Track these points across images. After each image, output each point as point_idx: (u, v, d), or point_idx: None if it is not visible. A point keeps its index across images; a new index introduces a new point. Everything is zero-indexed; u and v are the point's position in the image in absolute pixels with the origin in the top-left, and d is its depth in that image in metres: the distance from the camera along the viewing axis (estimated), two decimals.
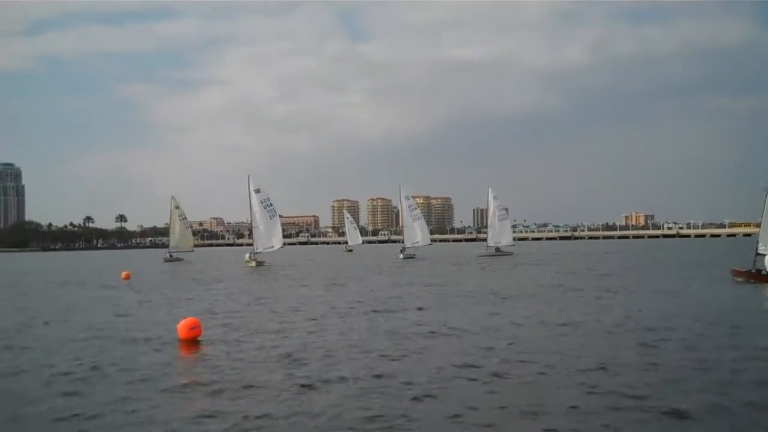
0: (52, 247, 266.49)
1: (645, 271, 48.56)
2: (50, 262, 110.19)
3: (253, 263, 66.08)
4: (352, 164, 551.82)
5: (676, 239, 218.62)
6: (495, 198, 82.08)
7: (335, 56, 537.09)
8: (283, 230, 78.47)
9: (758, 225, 38.20)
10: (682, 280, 38.89)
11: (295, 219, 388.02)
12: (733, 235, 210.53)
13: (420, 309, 25.28)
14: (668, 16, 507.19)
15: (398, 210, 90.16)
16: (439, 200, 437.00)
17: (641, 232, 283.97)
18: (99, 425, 10.29)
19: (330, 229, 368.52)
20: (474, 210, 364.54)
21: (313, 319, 22.63)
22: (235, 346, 17.40)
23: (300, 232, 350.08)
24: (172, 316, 23.16)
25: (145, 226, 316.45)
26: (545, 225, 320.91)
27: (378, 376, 13.34)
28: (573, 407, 10.68)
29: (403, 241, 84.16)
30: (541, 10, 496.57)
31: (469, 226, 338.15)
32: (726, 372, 13.27)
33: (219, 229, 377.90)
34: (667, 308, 24.18)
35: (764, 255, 34.19)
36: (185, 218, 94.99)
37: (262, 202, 67.25)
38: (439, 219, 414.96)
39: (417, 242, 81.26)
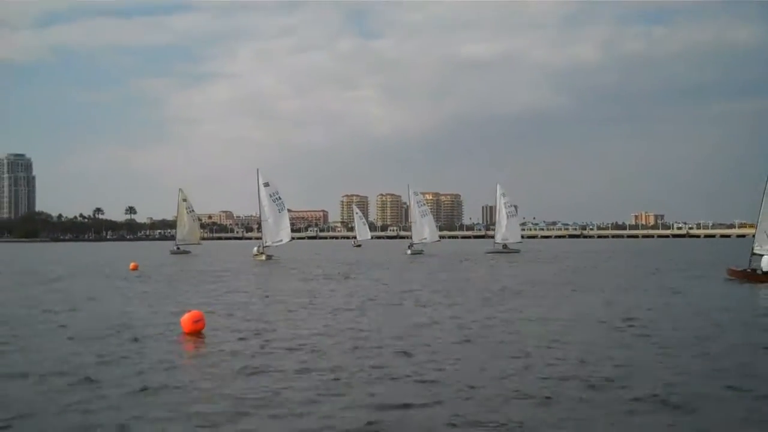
0: (62, 238, 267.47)
1: (645, 270, 49.15)
2: (59, 252, 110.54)
3: (263, 257, 66.01)
4: (362, 160, 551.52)
5: (686, 239, 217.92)
6: (503, 195, 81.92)
7: (346, 52, 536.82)
8: (292, 225, 78.78)
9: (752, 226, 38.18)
10: (679, 279, 39.47)
11: (304, 213, 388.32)
12: (743, 236, 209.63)
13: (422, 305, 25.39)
14: (674, 17, 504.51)
15: (407, 206, 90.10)
16: (448, 197, 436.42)
17: (651, 231, 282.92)
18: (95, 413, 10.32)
19: (339, 224, 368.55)
20: (483, 207, 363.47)
21: (321, 310, 22.76)
22: (238, 339, 17.41)
23: (309, 227, 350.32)
24: (176, 308, 23.15)
25: (154, 218, 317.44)
26: (554, 223, 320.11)
27: (381, 368, 13.39)
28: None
29: (411, 237, 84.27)
30: (551, 8, 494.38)
31: (478, 223, 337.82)
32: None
33: (228, 223, 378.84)
34: (654, 305, 24.93)
35: (760, 255, 34.82)
36: (193, 211, 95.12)
37: (270, 196, 67.33)
38: (448, 216, 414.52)
39: (425, 238, 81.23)
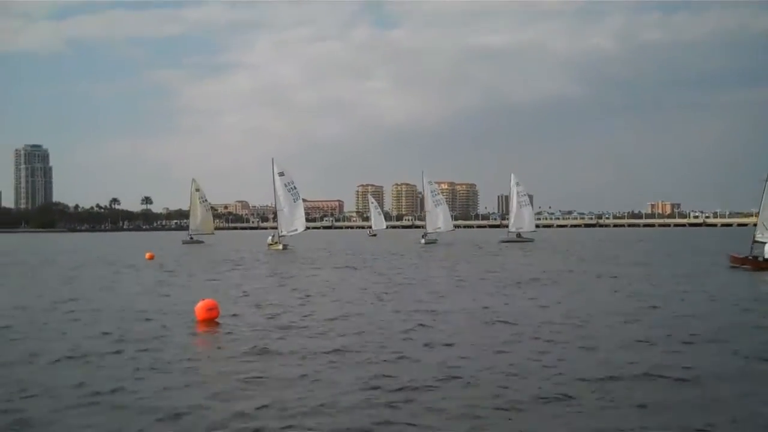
0: (79, 228, 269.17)
1: (649, 258, 50.27)
2: (75, 243, 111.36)
3: (280, 246, 65.82)
4: (378, 149, 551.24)
5: (702, 228, 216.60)
6: (517, 184, 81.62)
7: (362, 42, 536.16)
8: (308, 214, 78.72)
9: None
10: (682, 266, 40.71)
11: (319, 203, 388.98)
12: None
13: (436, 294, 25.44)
14: (696, 6, 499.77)
15: (422, 195, 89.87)
16: (463, 186, 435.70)
17: (667, 220, 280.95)
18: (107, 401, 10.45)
19: (354, 214, 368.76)
20: (499, 196, 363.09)
21: (336, 301, 22.89)
22: (251, 327, 17.49)
23: (324, 216, 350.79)
24: (190, 297, 23.30)
25: (170, 208, 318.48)
26: (570, 212, 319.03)
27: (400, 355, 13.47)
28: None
29: (425, 227, 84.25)
30: None
31: (493, 213, 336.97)
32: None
33: (244, 213, 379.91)
34: (649, 291, 25.83)
35: (763, 243, 35.36)
36: (206, 201, 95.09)
37: (286, 185, 67.25)
38: (463, 205, 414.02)
39: (439, 228, 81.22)
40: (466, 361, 13.12)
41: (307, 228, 76.69)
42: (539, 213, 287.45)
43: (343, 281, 31.58)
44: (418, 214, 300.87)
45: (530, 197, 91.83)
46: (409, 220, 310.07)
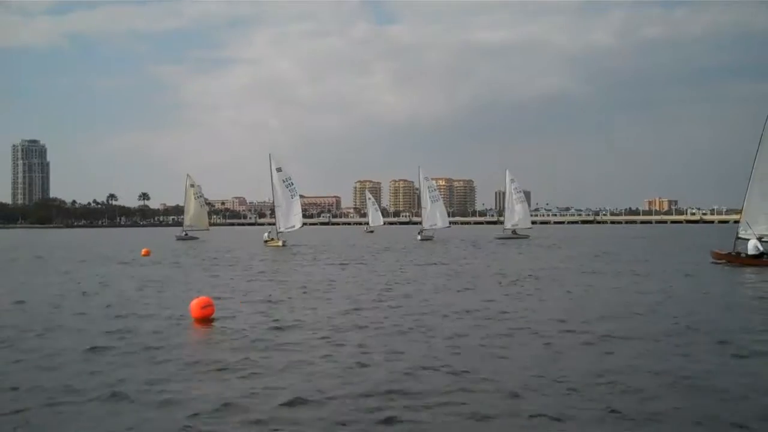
0: (76, 223, 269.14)
1: (636, 254, 50.99)
2: (70, 238, 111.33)
3: (280, 243, 65.38)
4: (376, 146, 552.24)
5: (699, 225, 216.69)
6: (512, 181, 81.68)
7: (361, 38, 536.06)
8: (305, 210, 78.43)
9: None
10: (665, 262, 41.55)
11: (317, 199, 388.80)
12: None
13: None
14: (696, 2, 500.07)
15: (419, 192, 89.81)
16: (461, 183, 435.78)
17: (664, 217, 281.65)
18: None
19: (352, 210, 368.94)
20: (496, 193, 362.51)
21: (331, 297, 22.93)
22: (247, 324, 17.44)
23: (322, 213, 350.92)
24: (184, 294, 23.36)
25: (168, 204, 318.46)
26: (568, 209, 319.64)
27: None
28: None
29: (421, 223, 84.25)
30: None
31: (490, 209, 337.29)
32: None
33: (241, 209, 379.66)
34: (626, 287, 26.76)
35: (746, 239, 36.18)
36: (201, 196, 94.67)
37: (284, 181, 66.80)
38: (461, 201, 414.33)
39: (435, 224, 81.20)
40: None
41: (304, 224, 76.53)
42: (536, 210, 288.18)
43: (339, 278, 31.59)
44: (416, 210, 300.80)
45: (527, 194, 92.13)
46: (406, 216, 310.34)
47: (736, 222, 41.51)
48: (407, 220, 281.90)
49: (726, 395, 10.52)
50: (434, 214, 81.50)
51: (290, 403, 10.15)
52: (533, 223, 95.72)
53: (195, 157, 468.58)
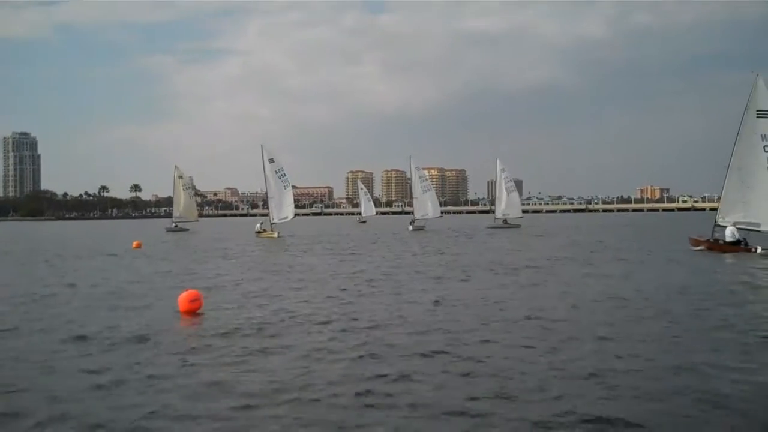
0: (67, 216, 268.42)
1: (620, 241, 52.93)
2: (63, 230, 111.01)
3: (275, 234, 65.03)
4: (368, 136, 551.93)
5: (691, 212, 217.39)
6: (503, 170, 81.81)
7: (352, 27, 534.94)
8: (297, 201, 78.23)
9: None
10: (646, 248, 43.23)
11: (309, 190, 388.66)
12: None
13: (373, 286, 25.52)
14: None
15: (411, 181, 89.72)
16: (453, 172, 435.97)
17: (656, 205, 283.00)
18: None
19: (344, 200, 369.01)
20: (488, 182, 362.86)
21: (319, 289, 22.89)
22: (235, 317, 17.32)
23: (314, 203, 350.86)
24: (174, 287, 23.26)
25: (160, 195, 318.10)
26: (559, 198, 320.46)
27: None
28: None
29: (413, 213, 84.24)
30: None
31: (482, 198, 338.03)
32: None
33: (233, 200, 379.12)
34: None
35: (723, 227, 37.50)
36: (190, 188, 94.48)
37: (276, 172, 66.46)
38: (453, 191, 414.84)
39: (426, 214, 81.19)
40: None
41: (296, 215, 76.39)
42: (528, 199, 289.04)
43: (329, 268, 31.51)
44: (408, 200, 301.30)
45: (519, 183, 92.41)
46: (399, 206, 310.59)
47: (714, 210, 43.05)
48: (400, 209, 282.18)
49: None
50: (426, 204, 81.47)
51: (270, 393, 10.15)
52: (525, 212, 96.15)
53: (187, 148, 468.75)
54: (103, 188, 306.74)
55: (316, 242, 57.47)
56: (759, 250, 34.80)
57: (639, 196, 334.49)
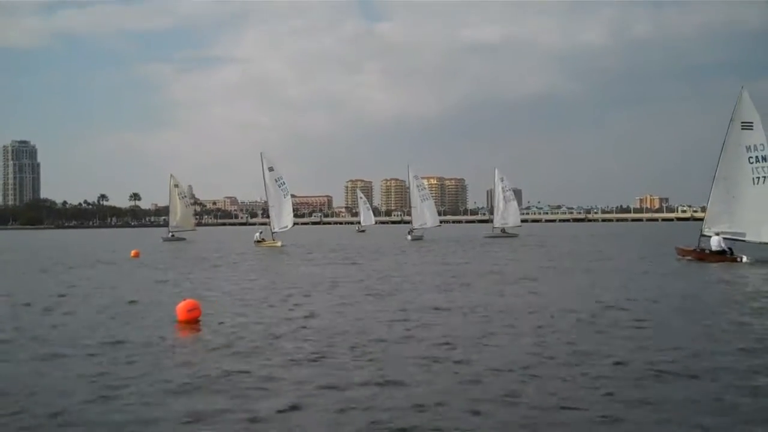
0: (66, 224, 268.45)
1: (611, 251, 54.00)
2: (62, 239, 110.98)
3: (279, 243, 64.94)
4: (367, 144, 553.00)
5: (690, 222, 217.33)
6: (501, 179, 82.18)
7: (351, 36, 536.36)
8: (296, 210, 78.10)
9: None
10: (636, 257, 44.96)
11: (308, 199, 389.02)
12: None
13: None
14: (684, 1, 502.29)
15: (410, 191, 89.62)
16: (452, 181, 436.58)
17: (655, 215, 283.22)
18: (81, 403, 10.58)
19: (343, 210, 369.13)
20: (488, 191, 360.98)
21: (317, 299, 22.94)
22: (233, 327, 17.34)
23: (313, 212, 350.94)
24: (172, 297, 23.26)
25: (159, 204, 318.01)
26: (559, 207, 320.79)
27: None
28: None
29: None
30: None
31: (482, 207, 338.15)
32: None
33: (233, 209, 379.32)
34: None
35: (709, 236, 38.32)
36: (185, 197, 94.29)
37: (276, 180, 66.61)
38: (452, 200, 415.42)
39: (425, 223, 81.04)
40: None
41: (295, 224, 76.31)
42: (527, 208, 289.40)
43: (328, 277, 31.52)
44: (407, 209, 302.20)
45: (518, 192, 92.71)
46: (398, 215, 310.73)
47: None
48: (399, 219, 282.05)
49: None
50: (424, 213, 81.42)
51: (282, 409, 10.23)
52: (524, 221, 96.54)
53: (186, 157, 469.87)
54: (102, 197, 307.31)
55: (316, 251, 57.41)
56: (745, 259, 35.73)
57: (638, 206, 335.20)
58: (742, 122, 37.60)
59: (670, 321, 17.78)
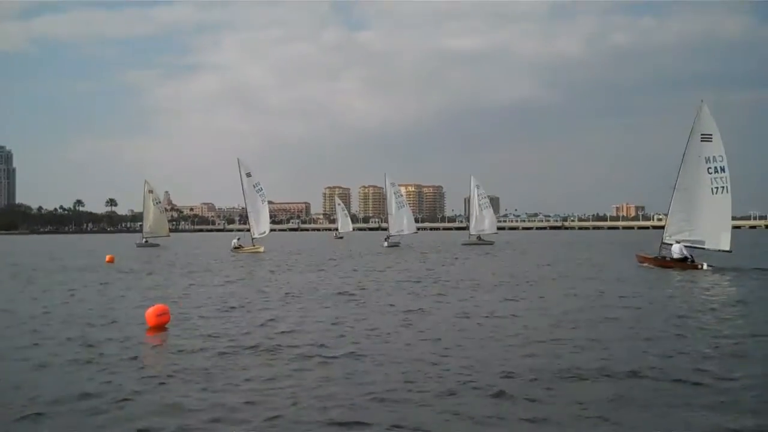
0: (41, 230, 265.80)
1: (574, 259, 54.61)
2: (33, 245, 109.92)
3: (261, 248, 64.82)
4: (346, 152, 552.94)
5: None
6: (477, 187, 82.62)
7: (332, 44, 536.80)
8: (274, 216, 78.01)
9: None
10: (599, 265, 45.72)
11: (286, 205, 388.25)
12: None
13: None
14: (664, 9, 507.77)
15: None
16: (430, 189, 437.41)
17: (631, 223, 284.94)
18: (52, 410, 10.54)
19: (321, 216, 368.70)
20: (465, 199, 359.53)
21: (289, 304, 22.98)
22: (202, 333, 17.36)
23: (291, 218, 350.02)
24: (142, 302, 23.19)
25: (135, 210, 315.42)
26: (536, 215, 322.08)
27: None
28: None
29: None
30: (538, 0, 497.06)
31: (459, 215, 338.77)
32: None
33: (210, 215, 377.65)
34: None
35: (670, 244, 39.29)
36: (160, 202, 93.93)
37: (254, 186, 66.56)
38: (430, 207, 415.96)
39: (402, 230, 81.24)
40: None
41: (272, 230, 76.05)
42: (505, 216, 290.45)
43: (300, 284, 31.57)
44: (385, 216, 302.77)
45: (495, 200, 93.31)
46: (375, 222, 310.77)
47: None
48: (377, 225, 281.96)
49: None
50: (401, 220, 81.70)
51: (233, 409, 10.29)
52: (501, 228, 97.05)
53: (163, 163, 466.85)
54: (78, 202, 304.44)
55: (288, 258, 57.37)
56: (705, 266, 36.68)
57: (615, 214, 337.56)
58: (701, 134, 38.65)
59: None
